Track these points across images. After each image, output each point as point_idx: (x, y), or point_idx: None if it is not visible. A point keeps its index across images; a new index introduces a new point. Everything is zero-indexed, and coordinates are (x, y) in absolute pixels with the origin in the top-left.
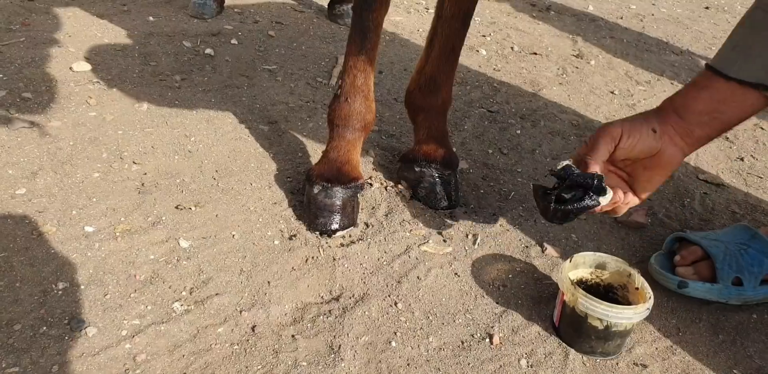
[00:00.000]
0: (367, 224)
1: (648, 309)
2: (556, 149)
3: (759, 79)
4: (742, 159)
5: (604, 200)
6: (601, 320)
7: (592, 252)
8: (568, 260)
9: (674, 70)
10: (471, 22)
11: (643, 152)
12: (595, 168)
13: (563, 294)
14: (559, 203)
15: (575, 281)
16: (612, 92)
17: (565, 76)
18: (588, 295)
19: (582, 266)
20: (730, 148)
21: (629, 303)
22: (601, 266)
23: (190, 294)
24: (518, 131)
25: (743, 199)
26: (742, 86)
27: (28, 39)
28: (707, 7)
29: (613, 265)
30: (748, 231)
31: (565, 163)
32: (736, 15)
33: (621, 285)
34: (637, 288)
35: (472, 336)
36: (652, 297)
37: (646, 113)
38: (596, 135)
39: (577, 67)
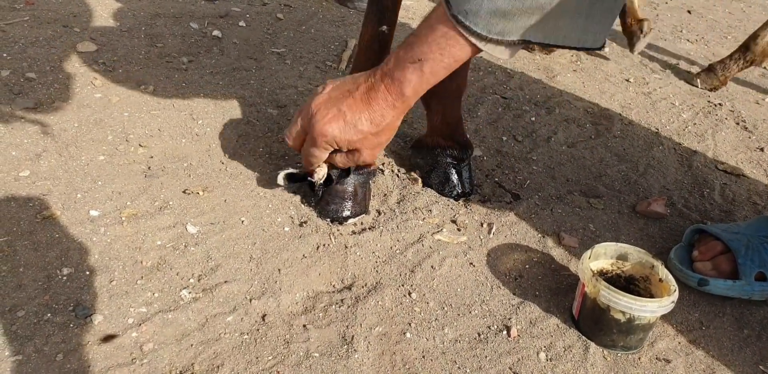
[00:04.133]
0: (379, 212)
1: (673, 302)
2: (571, 137)
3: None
4: (761, 150)
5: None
6: (623, 313)
7: (613, 243)
8: (589, 250)
9: (689, 58)
10: None
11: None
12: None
13: (584, 286)
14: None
15: (596, 272)
16: (627, 80)
17: (579, 63)
18: (611, 287)
19: (603, 256)
20: (750, 138)
21: (651, 296)
22: (622, 257)
23: (198, 281)
24: (533, 118)
25: (764, 190)
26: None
27: (32, 18)
28: None
29: (635, 256)
30: None
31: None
32: (751, 4)
33: (643, 277)
34: (660, 280)
35: (489, 327)
36: (677, 290)
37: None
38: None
39: (591, 55)
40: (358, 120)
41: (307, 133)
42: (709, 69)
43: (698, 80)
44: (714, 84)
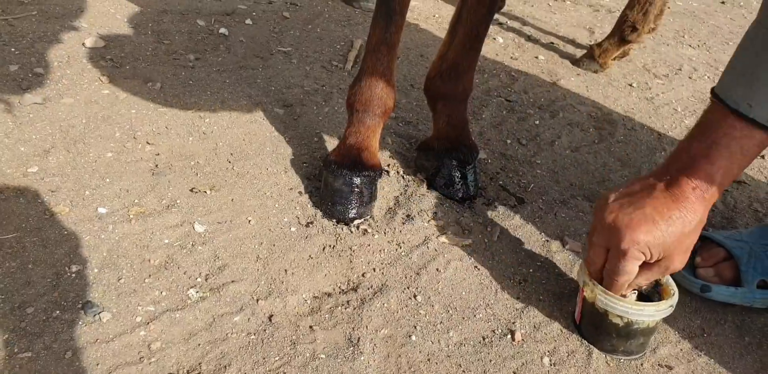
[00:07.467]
0: (384, 213)
1: (671, 306)
2: (575, 141)
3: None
4: (763, 157)
5: None
6: (621, 317)
7: None
8: None
9: (692, 64)
10: None
11: None
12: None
13: (583, 291)
14: None
15: None
16: (630, 85)
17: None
18: (607, 291)
19: None
20: None
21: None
22: None
23: (206, 280)
24: (537, 122)
25: (765, 197)
26: (750, 125)
27: (40, 13)
28: (723, 2)
29: None
30: None
31: None
32: (752, 10)
33: None
34: (661, 284)
35: (494, 331)
36: (677, 294)
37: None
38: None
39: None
40: (670, 219)
41: (610, 249)
42: (590, 54)
43: (583, 63)
44: (595, 68)
